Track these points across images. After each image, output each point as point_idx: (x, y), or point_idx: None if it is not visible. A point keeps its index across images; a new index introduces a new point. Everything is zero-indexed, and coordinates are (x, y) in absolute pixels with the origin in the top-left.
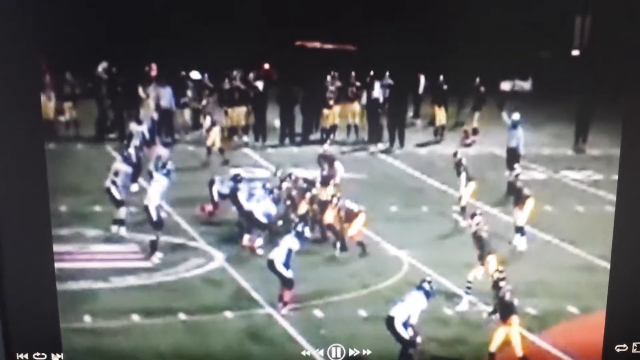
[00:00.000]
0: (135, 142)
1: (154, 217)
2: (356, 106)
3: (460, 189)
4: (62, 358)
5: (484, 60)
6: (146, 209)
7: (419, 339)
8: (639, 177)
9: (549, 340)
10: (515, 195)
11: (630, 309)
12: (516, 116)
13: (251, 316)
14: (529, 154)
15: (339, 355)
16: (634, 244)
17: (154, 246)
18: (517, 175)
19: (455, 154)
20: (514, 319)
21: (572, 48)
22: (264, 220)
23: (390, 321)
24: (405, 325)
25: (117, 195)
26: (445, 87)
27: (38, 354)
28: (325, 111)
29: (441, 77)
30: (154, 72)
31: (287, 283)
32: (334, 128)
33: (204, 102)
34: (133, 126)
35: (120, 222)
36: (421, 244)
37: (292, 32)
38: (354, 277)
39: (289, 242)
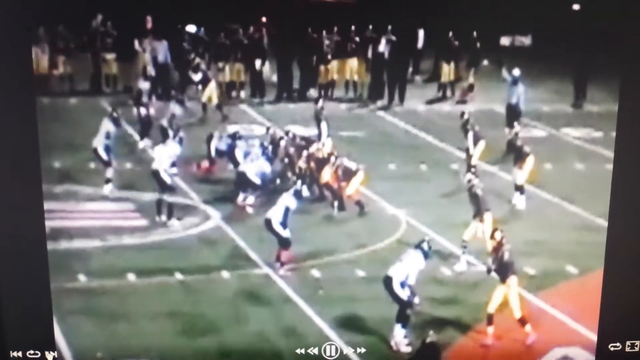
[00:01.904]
0: (145, 98)
1: (167, 180)
2: (355, 62)
3: (470, 148)
4: (56, 356)
5: (483, 15)
6: (156, 173)
7: (416, 300)
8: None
9: (548, 301)
10: (515, 153)
11: (624, 308)
12: (516, 72)
13: (248, 276)
14: (529, 111)
15: (333, 354)
16: (627, 243)
17: (160, 208)
18: (516, 134)
19: (462, 114)
20: (512, 280)
21: (573, 2)
22: (256, 180)
23: (388, 281)
24: (403, 285)
25: (105, 157)
26: (456, 43)
27: (32, 352)
28: (323, 67)
29: (450, 33)
30: (149, 25)
31: (284, 243)
32: (332, 84)
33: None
34: (141, 83)
35: (108, 181)
36: (420, 202)
37: None
38: (352, 237)
39: (287, 200)
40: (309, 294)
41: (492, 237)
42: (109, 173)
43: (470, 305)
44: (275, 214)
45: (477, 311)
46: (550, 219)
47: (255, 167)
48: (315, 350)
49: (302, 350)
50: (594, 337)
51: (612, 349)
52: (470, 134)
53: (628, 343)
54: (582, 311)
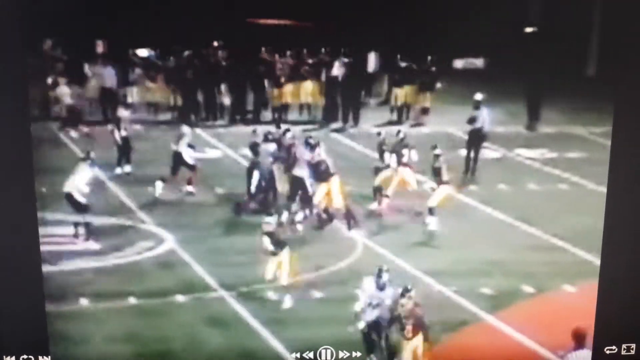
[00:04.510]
0: (123, 126)
1: (82, 201)
2: (309, 84)
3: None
4: None
5: (437, 38)
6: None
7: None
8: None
9: (505, 321)
10: (435, 176)
11: (620, 311)
12: (479, 96)
13: (203, 300)
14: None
15: (329, 358)
16: (623, 245)
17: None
18: (437, 156)
19: (378, 134)
20: None
21: (526, 25)
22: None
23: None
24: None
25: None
26: (409, 65)
27: (25, 356)
28: (276, 90)
29: (401, 57)
30: (101, 50)
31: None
32: (285, 107)
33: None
34: (121, 110)
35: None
36: (376, 225)
37: (243, 8)
38: (308, 259)
39: None
40: (265, 316)
41: None
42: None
43: None
44: None
45: None
46: (505, 239)
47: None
48: (311, 355)
49: (298, 354)
50: (551, 356)
51: (607, 352)
52: (387, 155)
53: (624, 346)
54: (539, 330)
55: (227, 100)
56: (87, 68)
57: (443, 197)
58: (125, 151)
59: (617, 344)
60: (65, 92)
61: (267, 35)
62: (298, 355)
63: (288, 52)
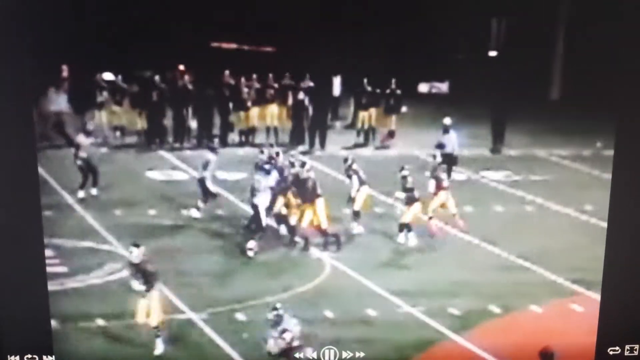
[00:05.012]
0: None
1: None
2: (275, 108)
3: (352, 192)
4: None
5: (401, 62)
6: None
7: None
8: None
9: (472, 341)
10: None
11: (623, 312)
12: (447, 121)
13: (171, 321)
14: None
15: (332, 358)
16: (626, 246)
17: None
18: (404, 177)
19: (345, 160)
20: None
21: (489, 49)
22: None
23: None
24: None
25: None
26: (373, 89)
27: (30, 356)
28: (243, 113)
29: (366, 81)
30: (65, 74)
31: None
32: (252, 130)
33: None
34: (81, 137)
35: None
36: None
37: (208, 32)
38: (276, 279)
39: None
40: (233, 337)
41: None
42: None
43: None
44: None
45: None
46: (472, 260)
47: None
48: (314, 355)
49: (301, 355)
50: None
51: (611, 352)
52: (355, 179)
53: (627, 347)
54: (506, 350)
55: (193, 124)
56: (51, 93)
57: (414, 215)
58: (88, 175)
59: (621, 345)
60: None
61: (231, 59)
62: (300, 355)
63: (254, 76)
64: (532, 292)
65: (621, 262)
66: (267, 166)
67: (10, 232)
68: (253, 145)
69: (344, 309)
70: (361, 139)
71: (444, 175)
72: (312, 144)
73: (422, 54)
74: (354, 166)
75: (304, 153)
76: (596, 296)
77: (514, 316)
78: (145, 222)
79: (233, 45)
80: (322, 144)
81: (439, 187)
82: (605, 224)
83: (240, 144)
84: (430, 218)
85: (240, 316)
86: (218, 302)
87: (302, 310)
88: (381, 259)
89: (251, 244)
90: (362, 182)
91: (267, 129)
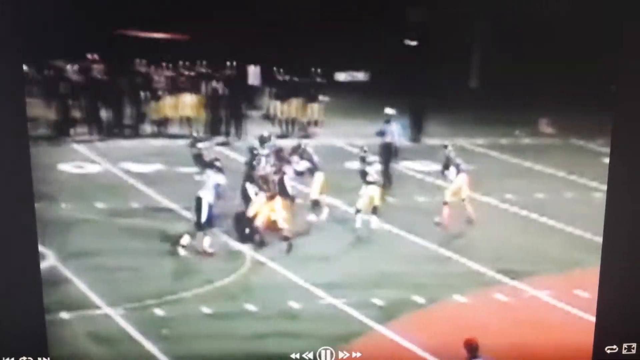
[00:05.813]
0: None
1: None
2: (187, 97)
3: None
4: None
5: (319, 51)
6: None
7: None
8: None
9: (396, 331)
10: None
11: (620, 311)
12: (390, 111)
13: (88, 317)
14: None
15: (328, 358)
16: (624, 245)
17: None
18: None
19: (298, 146)
20: None
21: (408, 38)
22: None
23: None
24: None
25: None
26: (290, 78)
27: (24, 358)
28: (154, 103)
29: (282, 70)
30: None
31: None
32: (165, 120)
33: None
34: None
35: None
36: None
37: (119, 20)
38: (196, 273)
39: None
40: (152, 333)
41: None
42: None
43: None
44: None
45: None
46: (395, 251)
47: None
48: (310, 355)
49: (297, 355)
50: None
51: (608, 351)
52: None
53: (625, 345)
54: (432, 340)
55: (104, 114)
56: None
57: (369, 198)
58: None
59: (618, 343)
60: None
61: (142, 47)
62: (297, 355)
63: (166, 64)
64: (456, 282)
65: (618, 261)
66: (265, 151)
67: (3, 234)
68: (167, 136)
69: (265, 302)
70: (279, 129)
71: (459, 160)
72: (227, 134)
73: (341, 43)
74: (308, 150)
75: (221, 144)
76: (521, 286)
77: (438, 307)
78: (58, 216)
79: (146, 34)
80: (239, 135)
81: (458, 171)
82: (525, 212)
83: (154, 135)
84: (446, 204)
85: (158, 311)
86: (135, 297)
87: (222, 304)
88: (305, 251)
89: (185, 239)
90: (316, 168)
91: (181, 119)
